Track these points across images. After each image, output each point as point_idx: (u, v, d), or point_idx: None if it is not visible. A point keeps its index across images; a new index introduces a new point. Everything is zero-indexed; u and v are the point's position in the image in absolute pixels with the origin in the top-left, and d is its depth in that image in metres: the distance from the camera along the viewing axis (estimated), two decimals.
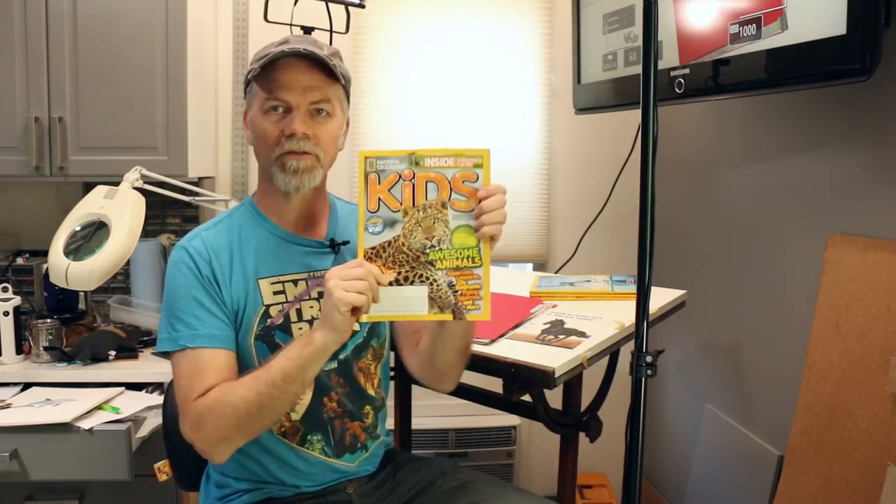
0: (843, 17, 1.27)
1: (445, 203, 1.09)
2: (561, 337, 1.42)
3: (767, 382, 1.90)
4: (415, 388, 1.91)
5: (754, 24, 1.47)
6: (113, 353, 1.93)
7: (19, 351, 1.93)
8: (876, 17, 1.24)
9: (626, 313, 1.47)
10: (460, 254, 1.10)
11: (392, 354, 1.42)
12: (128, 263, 2.03)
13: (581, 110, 2.23)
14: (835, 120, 1.62)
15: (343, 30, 2.02)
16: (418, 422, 2.12)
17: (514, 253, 2.57)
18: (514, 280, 1.87)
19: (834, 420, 1.51)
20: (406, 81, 2.47)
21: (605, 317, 1.53)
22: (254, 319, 1.20)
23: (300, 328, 1.23)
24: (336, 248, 1.28)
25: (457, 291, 1.10)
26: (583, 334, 1.42)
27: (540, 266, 2.62)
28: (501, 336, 1.44)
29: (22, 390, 1.82)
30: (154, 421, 1.71)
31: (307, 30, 1.87)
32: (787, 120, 1.80)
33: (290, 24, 1.84)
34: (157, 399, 1.76)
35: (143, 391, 1.84)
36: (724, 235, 2.10)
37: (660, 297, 1.66)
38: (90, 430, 1.61)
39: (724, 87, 1.60)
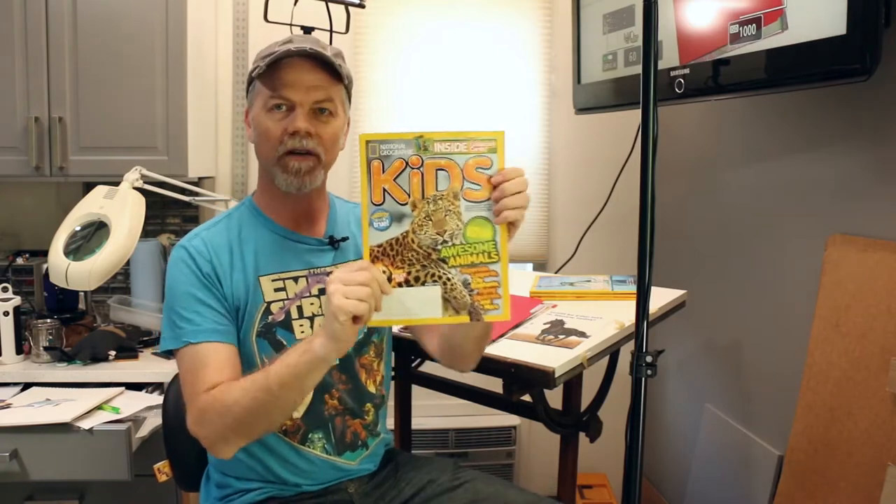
0: (843, 17, 1.27)
1: (458, 193, 1.00)
2: (561, 337, 1.42)
3: (767, 382, 1.90)
4: (415, 388, 1.91)
5: (754, 24, 1.47)
6: (113, 353, 1.93)
7: (19, 351, 1.93)
8: (876, 17, 1.24)
9: (626, 313, 1.47)
10: (475, 249, 1.01)
11: (393, 355, 1.42)
12: (128, 263, 2.03)
13: (581, 110, 2.23)
14: (835, 120, 1.62)
15: (343, 30, 2.02)
16: (418, 422, 2.12)
17: (514, 253, 2.57)
18: (514, 280, 1.86)
19: (834, 420, 1.51)
20: (406, 81, 2.47)
21: (605, 317, 1.53)
22: (255, 316, 1.21)
23: (301, 325, 1.23)
24: (336, 245, 1.29)
25: (473, 290, 1.01)
26: (583, 334, 1.43)
27: (540, 266, 2.62)
28: (501, 336, 1.44)
29: (22, 390, 1.82)
30: (154, 421, 1.71)
31: (307, 30, 1.87)
32: (787, 120, 1.80)
33: (291, 24, 1.84)
34: (157, 399, 1.76)
35: (143, 391, 1.84)
36: (724, 235, 2.10)
37: (660, 297, 1.66)
38: (90, 430, 1.61)
39: (724, 87, 1.60)
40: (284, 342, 1.21)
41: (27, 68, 1.99)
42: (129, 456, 1.63)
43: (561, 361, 1.28)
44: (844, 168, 1.59)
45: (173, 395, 1.42)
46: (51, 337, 1.92)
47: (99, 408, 1.71)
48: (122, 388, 1.83)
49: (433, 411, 2.45)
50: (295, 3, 1.88)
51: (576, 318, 1.55)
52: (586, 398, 1.70)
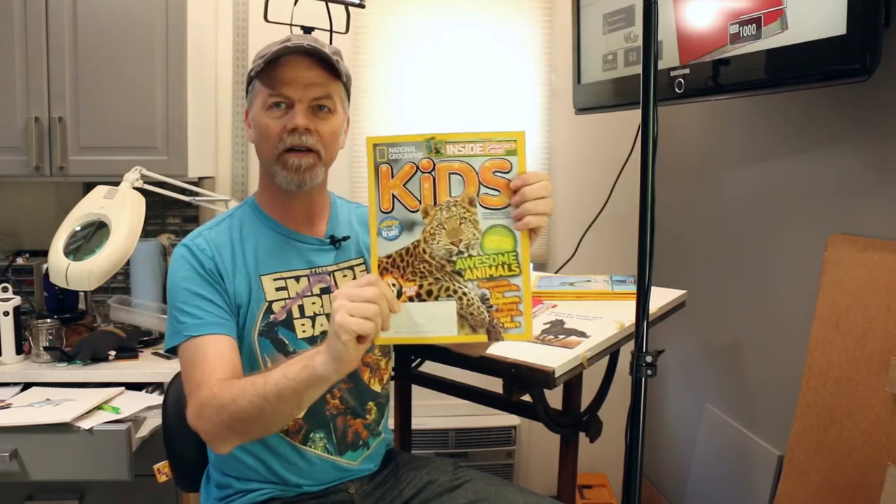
0: (843, 17, 1.27)
1: (474, 199, 0.92)
2: (561, 337, 1.42)
3: (767, 382, 1.90)
4: (415, 388, 1.91)
5: (754, 24, 1.47)
6: (113, 353, 1.93)
7: (19, 351, 1.93)
8: (876, 17, 1.24)
9: (626, 313, 1.47)
10: (494, 260, 0.93)
11: (393, 354, 1.42)
12: (128, 263, 2.03)
13: (581, 110, 2.23)
14: (835, 120, 1.62)
15: (343, 30, 2.02)
16: (418, 422, 2.12)
17: None
18: None
19: (834, 420, 1.51)
20: (406, 81, 2.47)
21: (605, 317, 1.53)
22: (257, 315, 1.21)
23: (302, 324, 1.23)
24: (337, 244, 1.29)
25: (491, 306, 0.93)
26: (583, 334, 1.43)
27: (540, 266, 2.61)
28: None
29: (22, 390, 1.82)
30: (154, 421, 1.71)
31: (307, 30, 1.87)
32: (787, 120, 1.80)
33: (291, 24, 1.84)
34: (157, 399, 1.76)
35: (143, 391, 1.84)
36: (724, 235, 2.10)
37: (660, 297, 1.67)
38: (90, 430, 1.61)
39: (724, 87, 1.60)
40: (286, 341, 1.21)
41: (27, 68, 1.99)
42: (129, 456, 1.63)
43: (561, 361, 1.28)
44: (844, 168, 1.59)
45: (173, 395, 1.41)
46: (51, 337, 1.92)
47: (99, 408, 1.71)
48: (122, 388, 1.83)
49: (433, 411, 2.45)
50: (295, 3, 1.88)
51: (576, 318, 1.55)
52: (586, 398, 1.70)
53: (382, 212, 0.93)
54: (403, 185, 0.93)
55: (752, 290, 1.95)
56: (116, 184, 1.82)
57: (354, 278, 1.29)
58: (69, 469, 1.63)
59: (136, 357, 1.96)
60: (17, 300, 1.91)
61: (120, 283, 2.30)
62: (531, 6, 2.50)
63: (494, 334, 0.94)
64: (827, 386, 1.54)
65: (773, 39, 1.43)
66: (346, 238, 1.30)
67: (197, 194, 2.07)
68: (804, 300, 1.67)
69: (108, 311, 2.15)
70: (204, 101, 2.26)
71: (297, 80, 1.16)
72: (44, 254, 1.94)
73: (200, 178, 2.25)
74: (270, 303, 1.21)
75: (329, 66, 1.18)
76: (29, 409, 1.68)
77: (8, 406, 1.70)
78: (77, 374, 1.86)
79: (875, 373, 1.42)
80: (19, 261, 2.19)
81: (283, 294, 1.23)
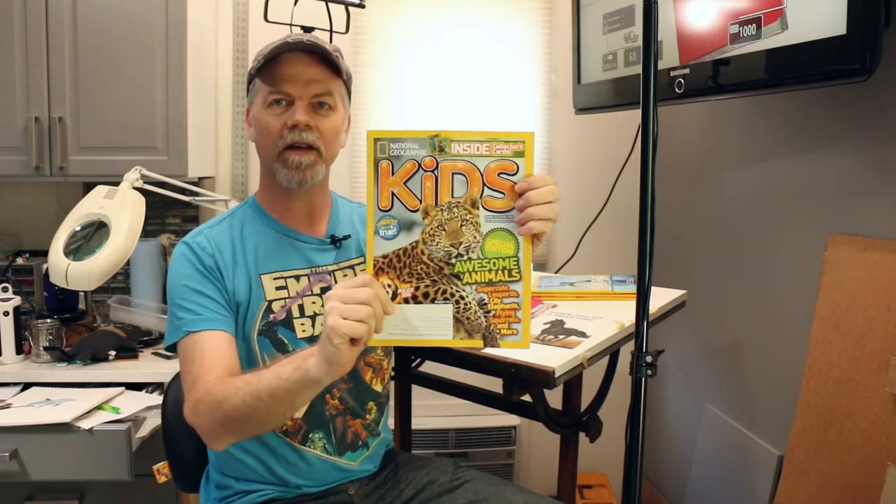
0: (843, 17, 1.27)
1: (476, 201, 0.90)
2: (561, 337, 1.42)
3: (767, 382, 1.90)
4: (415, 388, 1.91)
5: (754, 24, 1.47)
6: (113, 353, 1.93)
7: (19, 351, 1.93)
8: (876, 17, 1.24)
9: (626, 313, 1.47)
10: (494, 265, 0.91)
11: (393, 354, 1.42)
12: (128, 263, 2.03)
13: (581, 110, 2.23)
14: (835, 120, 1.62)
15: (343, 30, 2.02)
16: (418, 422, 2.12)
17: None
18: None
19: (834, 420, 1.51)
20: (406, 81, 2.47)
21: (605, 317, 1.53)
22: (257, 314, 1.21)
23: (302, 323, 1.23)
24: (338, 244, 1.28)
25: (489, 312, 0.91)
26: (583, 334, 1.43)
27: (540, 266, 2.61)
28: None
29: (22, 390, 1.82)
30: (154, 421, 1.71)
31: (307, 30, 1.87)
32: (787, 120, 1.80)
33: (290, 24, 1.84)
34: (157, 399, 1.76)
35: (143, 391, 1.84)
36: (724, 235, 2.10)
37: (660, 297, 1.66)
38: (90, 430, 1.61)
39: (724, 87, 1.60)
40: (286, 341, 1.21)
41: (27, 68, 1.99)
42: (129, 456, 1.63)
43: (561, 361, 1.28)
44: (844, 168, 1.59)
45: (173, 395, 1.41)
46: (51, 337, 1.92)
47: (99, 408, 1.71)
48: (122, 388, 1.83)
49: (433, 411, 2.45)
50: (295, 3, 1.88)
51: (576, 318, 1.55)
52: (586, 398, 1.70)
53: (380, 210, 0.90)
54: (404, 184, 0.90)
55: (752, 290, 1.95)
56: (116, 184, 1.82)
57: None
58: (69, 469, 1.63)
59: (136, 357, 1.96)
60: (17, 300, 1.91)
61: (120, 283, 2.30)
62: (531, 6, 2.50)
63: (491, 340, 0.92)
64: (827, 386, 1.54)
65: (773, 39, 1.43)
66: (346, 237, 1.30)
67: (197, 194, 2.07)
68: (804, 300, 1.67)
69: (108, 311, 2.15)
70: (204, 101, 2.26)
71: (298, 76, 1.16)
72: (44, 254, 1.94)
73: (200, 178, 2.25)
74: (270, 302, 1.21)
75: (330, 63, 1.18)
76: (29, 409, 1.68)
77: (8, 406, 1.70)
78: (77, 374, 1.86)
79: (875, 373, 1.42)
80: (19, 261, 2.19)
81: (283, 293, 1.23)
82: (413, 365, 1.89)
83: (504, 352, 1.31)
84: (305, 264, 1.26)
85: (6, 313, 1.88)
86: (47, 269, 1.83)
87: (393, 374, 1.62)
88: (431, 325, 0.91)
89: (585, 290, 1.76)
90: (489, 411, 2.08)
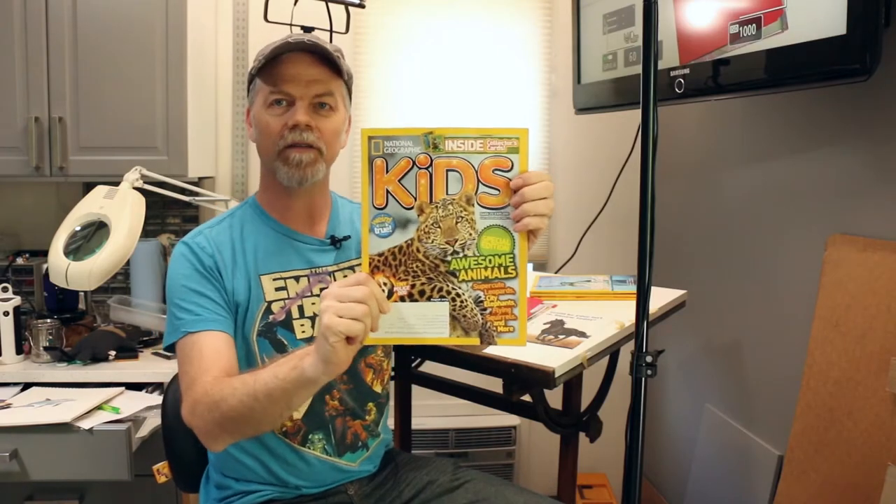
0: (843, 17, 1.27)
1: (471, 198, 0.90)
2: (561, 337, 1.42)
3: (767, 382, 1.90)
4: (415, 388, 1.91)
5: (754, 24, 1.47)
6: (113, 353, 1.93)
7: (19, 351, 1.93)
8: (876, 17, 1.24)
9: (626, 313, 1.47)
10: (490, 262, 0.90)
11: (393, 354, 1.42)
12: (128, 263, 2.03)
13: (581, 110, 2.23)
14: (835, 120, 1.62)
15: (343, 30, 2.02)
16: (418, 422, 2.12)
17: None
18: None
19: (834, 420, 1.51)
20: (406, 81, 2.47)
21: (605, 317, 1.53)
22: (256, 315, 1.21)
23: (302, 324, 1.23)
24: (337, 244, 1.28)
25: (485, 309, 0.91)
26: (583, 334, 1.43)
27: (540, 266, 2.62)
28: None
29: (22, 390, 1.82)
30: (154, 421, 1.71)
31: (307, 30, 1.87)
32: (787, 120, 1.80)
33: (291, 24, 1.84)
34: (157, 399, 1.76)
35: (143, 391, 1.84)
36: (724, 235, 2.10)
37: (660, 297, 1.67)
38: (90, 430, 1.61)
39: (724, 87, 1.60)
40: (285, 341, 1.21)
41: (27, 68, 1.99)
42: (129, 456, 1.63)
43: (561, 361, 1.28)
44: (844, 168, 1.59)
45: (173, 395, 1.41)
46: (51, 337, 1.92)
47: (99, 408, 1.71)
48: (122, 388, 1.83)
49: (433, 411, 2.45)
50: (295, 3, 1.88)
51: (576, 318, 1.55)
52: (586, 398, 1.70)
53: (375, 208, 0.90)
54: (398, 181, 0.90)
55: (752, 290, 1.95)
56: (116, 184, 1.82)
57: None
58: (69, 469, 1.63)
59: (136, 357, 1.96)
60: (17, 300, 1.91)
61: (120, 283, 2.30)
62: (531, 6, 2.50)
63: (487, 338, 0.92)
64: (827, 386, 1.54)
65: (773, 39, 1.43)
66: (346, 238, 1.29)
67: (197, 194, 2.07)
68: (804, 300, 1.67)
69: (108, 311, 2.15)
70: (204, 101, 2.26)
71: (299, 77, 1.16)
72: (44, 254, 1.94)
73: (200, 178, 2.25)
74: (269, 303, 1.21)
75: (331, 63, 1.18)
76: (29, 409, 1.68)
77: (8, 406, 1.70)
78: (77, 374, 1.86)
79: (875, 373, 1.42)
80: (19, 261, 2.19)
81: (283, 294, 1.22)
82: (413, 365, 1.89)
83: (504, 352, 1.31)
84: (305, 265, 1.26)
85: (6, 313, 1.88)
86: (47, 269, 1.83)
87: (393, 374, 1.62)
88: (427, 323, 0.91)
89: (585, 290, 1.77)
90: (489, 411, 2.08)
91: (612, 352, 1.60)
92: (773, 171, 1.86)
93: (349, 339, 0.89)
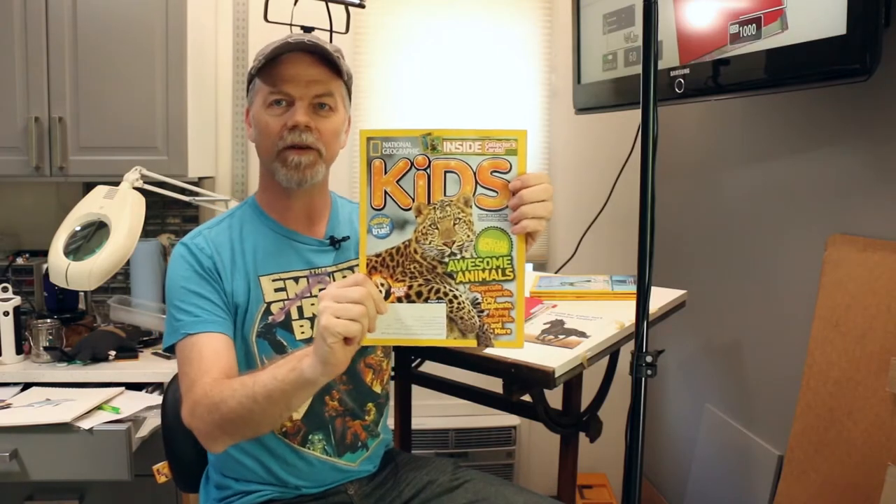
0: (843, 17, 1.27)
1: (469, 199, 0.90)
2: (561, 337, 1.42)
3: (767, 382, 1.90)
4: (415, 388, 1.91)
5: (754, 24, 1.47)
6: (113, 353, 1.93)
7: (19, 351, 1.93)
8: (876, 17, 1.23)
9: (626, 313, 1.47)
10: (488, 264, 0.90)
11: (393, 354, 1.42)
12: (128, 263, 2.03)
13: (581, 110, 2.23)
14: (835, 120, 1.62)
15: (343, 30, 2.02)
16: (418, 422, 2.12)
17: None
18: None
19: (834, 420, 1.51)
20: (406, 81, 2.47)
21: (605, 317, 1.53)
22: (255, 316, 1.21)
23: (301, 325, 1.23)
24: (337, 245, 1.28)
25: (483, 311, 0.91)
26: (583, 334, 1.43)
27: (540, 266, 2.62)
28: None
29: (22, 390, 1.82)
30: (154, 421, 1.71)
31: (307, 30, 1.87)
32: (787, 120, 1.80)
33: (291, 24, 1.84)
34: (157, 399, 1.76)
35: (143, 391, 1.84)
36: (724, 235, 2.10)
37: (660, 297, 1.67)
38: (90, 430, 1.61)
39: (724, 87, 1.60)
40: (284, 342, 1.21)
41: (27, 68, 1.99)
42: (129, 456, 1.63)
43: (561, 361, 1.28)
44: (844, 168, 1.59)
45: (173, 395, 1.41)
46: (51, 337, 1.92)
47: (99, 408, 1.71)
48: (122, 388, 1.83)
49: (433, 411, 2.45)
50: (295, 3, 1.88)
51: (576, 318, 1.55)
52: (586, 398, 1.70)
53: (373, 208, 0.90)
54: (396, 182, 0.90)
55: (752, 290, 1.95)
56: (116, 184, 1.82)
57: None
58: (69, 469, 1.63)
59: (136, 357, 1.96)
60: (17, 300, 1.91)
61: (120, 283, 2.30)
62: (531, 6, 2.50)
63: (484, 340, 0.92)
64: (827, 386, 1.54)
65: (773, 39, 1.43)
66: (345, 238, 1.29)
67: (197, 194, 2.07)
68: (804, 300, 1.67)
69: (108, 311, 2.15)
70: (204, 101, 2.26)
71: (298, 77, 1.16)
72: (44, 254, 1.94)
73: (200, 178, 2.25)
74: (269, 304, 1.21)
75: (330, 63, 1.18)
76: (29, 409, 1.68)
77: (8, 406, 1.70)
78: (77, 374, 1.86)
79: (875, 373, 1.42)
80: (19, 261, 2.19)
81: (282, 295, 1.22)
82: (413, 365, 1.89)
83: (504, 352, 1.31)
84: (304, 266, 1.26)
85: (6, 313, 1.88)
86: (47, 269, 1.83)
87: (393, 374, 1.62)
88: (425, 324, 0.91)
89: (585, 290, 1.76)
90: (489, 411, 2.08)
91: (612, 352, 1.60)
92: (773, 171, 1.86)
93: (347, 340, 0.89)
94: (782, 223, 1.82)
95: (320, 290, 1.22)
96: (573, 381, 1.65)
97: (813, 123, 1.70)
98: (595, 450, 1.92)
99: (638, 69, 1.14)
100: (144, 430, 1.70)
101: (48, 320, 1.94)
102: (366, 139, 0.90)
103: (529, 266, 2.65)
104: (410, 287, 0.91)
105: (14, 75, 1.99)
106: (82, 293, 2.20)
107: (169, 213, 2.38)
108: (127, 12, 2.00)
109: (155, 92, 2.03)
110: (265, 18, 1.89)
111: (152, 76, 2.02)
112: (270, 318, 1.21)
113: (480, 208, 0.90)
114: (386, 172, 0.90)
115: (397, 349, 1.51)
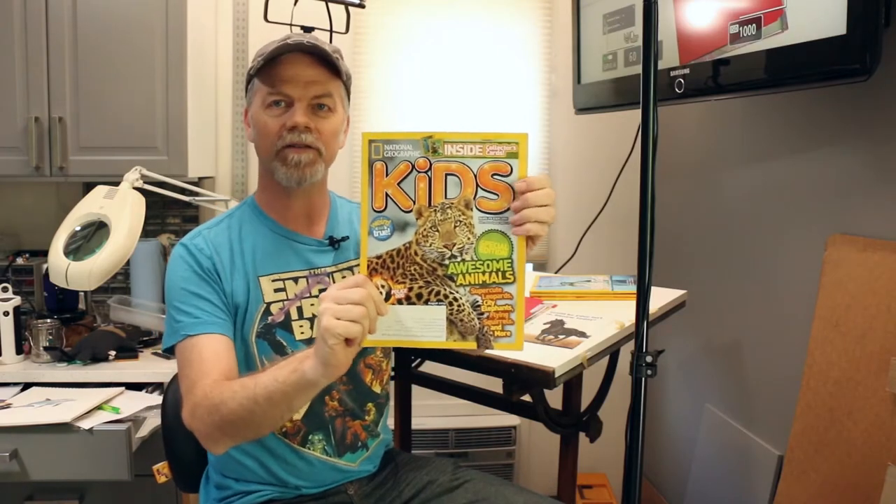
0: (843, 17, 1.27)
1: (470, 202, 0.90)
2: (561, 337, 1.42)
3: (767, 382, 1.90)
4: (415, 388, 1.91)
5: (754, 24, 1.47)
6: (113, 353, 1.93)
7: (19, 351, 1.93)
8: (876, 17, 1.23)
9: (626, 313, 1.47)
10: (488, 266, 0.91)
11: (393, 354, 1.42)
12: (128, 263, 2.03)
13: (581, 110, 2.23)
14: (835, 120, 1.62)
15: (343, 30, 2.02)
16: (418, 422, 2.12)
17: None
18: None
19: (834, 420, 1.51)
20: (406, 81, 2.47)
21: (605, 317, 1.53)
22: (255, 317, 1.21)
23: (301, 325, 1.23)
24: (336, 245, 1.28)
25: (483, 314, 0.91)
26: (583, 334, 1.43)
27: (540, 266, 2.62)
28: None
29: (22, 390, 1.82)
30: (154, 421, 1.71)
31: (307, 30, 1.87)
32: (787, 120, 1.80)
33: (290, 24, 1.84)
34: (157, 399, 1.76)
35: (143, 391, 1.84)
36: (724, 235, 2.10)
37: (660, 297, 1.66)
38: (90, 430, 1.61)
39: (724, 87, 1.60)
40: (284, 343, 1.21)
41: (27, 68, 1.99)
42: (129, 456, 1.63)
43: (561, 361, 1.28)
44: (844, 168, 1.59)
45: (173, 395, 1.41)
46: (51, 337, 1.92)
47: (99, 408, 1.71)
48: (122, 388, 1.83)
49: (433, 411, 2.45)
50: (295, 3, 1.88)
51: (576, 318, 1.55)
52: (586, 398, 1.70)
53: (375, 210, 0.91)
54: (398, 184, 0.91)
55: (752, 290, 1.95)
56: (116, 184, 1.82)
57: None
58: (69, 469, 1.63)
59: (136, 357, 1.96)
60: (17, 300, 1.91)
61: (120, 283, 2.30)
62: (531, 6, 2.50)
63: (484, 342, 0.92)
64: (827, 386, 1.54)
65: (773, 39, 1.43)
66: (345, 239, 1.29)
67: (197, 194, 2.07)
68: (804, 300, 1.67)
69: (108, 311, 2.15)
70: (204, 101, 2.26)
71: (297, 78, 1.16)
72: (44, 254, 1.94)
73: (200, 178, 2.25)
74: (268, 304, 1.21)
75: (329, 64, 1.18)
76: (29, 409, 1.68)
77: (8, 406, 1.70)
78: (77, 374, 1.86)
79: (875, 373, 1.42)
80: (19, 261, 2.19)
81: (282, 295, 1.22)
82: (413, 365, 1.89)
83: (504, 352, 1.31)
84: (304, 266, 1.25)
85: (6, 313, 1.88)
86: (47, 269, 1.83)
87: (393, 374, 1.62)
88: (425, 326, 0.92)
89: (585, 290, 1.76)
90: (489, 411, 2.08)
91: (612, 352, 1.60)
92: (773, 171, 1.86)
93: (348, 342, 0.89)
94: (782, 223, 1.82)
95: (320, 290, 1.23)
96: (573, 381, 1.65)
97: (813, 123, 1.70)
98: (595, 450, 1.92)
99: (638, 69, 1.14)
100: (144, 430, 1.70)
101: (48, 320, 1.94)
102: (367, 142, 0.90)
103: (529, 266, 2.65)
104: (411, 289, 0.92)
105: (14, 75, 1.99)
106: (82, 293, 2.20)
107: (169, 213, 2.38)
108: (127, 12, 2.00)
109: (155, 92, 2.03)
110: (265, 18, 1.89)
111: (152, 76, 2.02)
112: (270, 318, 1.21)
113: (481, 211, 0.91)
114: (387, 175, 0.90)
115: (397, 350, 1.51)
